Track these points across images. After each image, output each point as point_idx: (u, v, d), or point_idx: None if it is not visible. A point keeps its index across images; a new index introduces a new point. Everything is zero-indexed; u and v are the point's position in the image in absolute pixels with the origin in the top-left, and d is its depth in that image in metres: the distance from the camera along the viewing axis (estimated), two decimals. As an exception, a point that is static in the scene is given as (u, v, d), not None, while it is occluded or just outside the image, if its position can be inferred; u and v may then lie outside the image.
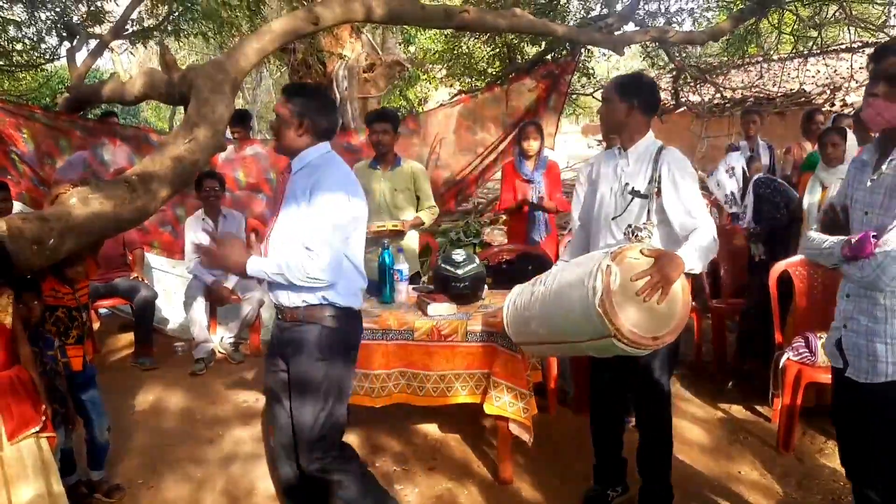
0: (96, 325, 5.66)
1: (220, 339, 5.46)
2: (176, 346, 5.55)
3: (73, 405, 3.04)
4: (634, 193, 2.79)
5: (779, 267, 3.96)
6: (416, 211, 4.55)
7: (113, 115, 6.68)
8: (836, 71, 10.49)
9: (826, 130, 4.47)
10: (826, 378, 3.61)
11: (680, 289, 2.41)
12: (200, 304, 5.10)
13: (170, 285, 6.14)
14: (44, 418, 2.63)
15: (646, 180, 2.78)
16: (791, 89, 10.13)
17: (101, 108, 6.61)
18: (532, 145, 5.00)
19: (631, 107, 2.81)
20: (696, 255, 2.53)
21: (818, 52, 7.91)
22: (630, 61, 13.82)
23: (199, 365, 5.01)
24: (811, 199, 4.20)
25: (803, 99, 9.92)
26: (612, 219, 2.85)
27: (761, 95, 10.06)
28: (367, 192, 4.48)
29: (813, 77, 10.70)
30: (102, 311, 5.78)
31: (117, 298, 5.36)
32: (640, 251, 2.40)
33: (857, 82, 9.51)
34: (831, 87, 10.13)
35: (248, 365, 5.14)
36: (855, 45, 9.04)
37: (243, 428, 4.11)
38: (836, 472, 3.41)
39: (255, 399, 4.49)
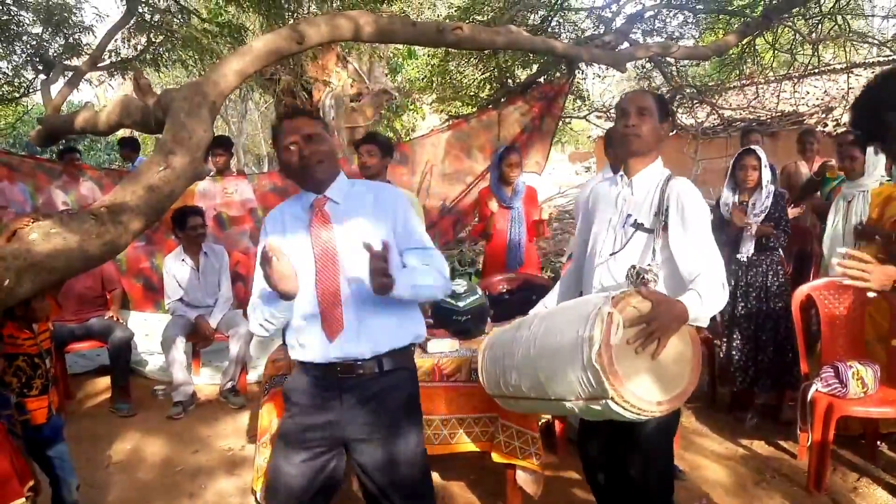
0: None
1: (220, 385, 5.03)
2: (156, 389, 5.21)
3: (37, 466, 2.75)
4: (638, 227, 2.37)
5: (802, 291, 3.71)
6: None
7: (74, 150, 6.40)
8: (826, 92, 10.41)
9: (843, 145, 4.54)
10: (859, 411, 3.38)
11: (688, 344, 2.05)
12: (180, 344, 4.76)
13: (151, 324, 5.81)
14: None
15: (651, 213, 2.37)
16: (783, 111, 10.02)
17: (60, 145, 6.28)
18: (514, 171, 4.74)
19: (667, 130, 2.46)
20: (700, 304, 2.10)
21: (814, 70, 7.77)
22: (622, 83, 13.68)
23: (177, 408, 4.67)
24: (835, 215, 4.00)
25: (796, 120, 9.82)
26: (612, 254, 2.43)
27: (755, 117, 9.94)
28: None
29: (803, 98, 10.61)
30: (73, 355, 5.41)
31: (93, 341, 5.00)
32: (640, 293, 2.02)
33: (849, 103, 9.42)
34: (823, 107, 10.02)
35: (232, 409, 4.80)
36: (848, 65, 8.94)
37: (228, 478, 3.78)
38: (875, 513, 3.14)
39: (240, 446, 4.17)
